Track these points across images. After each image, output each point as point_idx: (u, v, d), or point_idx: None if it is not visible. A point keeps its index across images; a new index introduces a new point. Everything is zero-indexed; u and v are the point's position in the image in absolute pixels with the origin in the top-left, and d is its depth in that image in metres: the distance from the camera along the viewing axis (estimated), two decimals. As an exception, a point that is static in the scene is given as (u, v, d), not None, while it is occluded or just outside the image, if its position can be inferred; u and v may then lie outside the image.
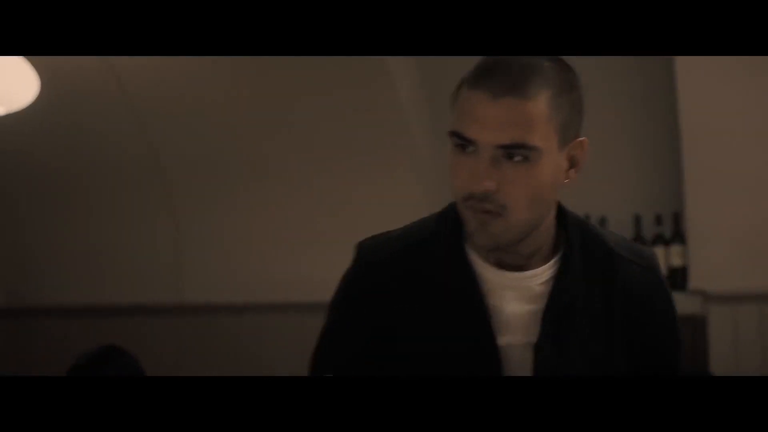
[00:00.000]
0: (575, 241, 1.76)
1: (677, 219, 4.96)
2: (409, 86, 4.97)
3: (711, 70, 4.57)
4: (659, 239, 4.97)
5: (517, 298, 1.72)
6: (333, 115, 4.96)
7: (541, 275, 1.74)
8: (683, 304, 4.86)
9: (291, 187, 5.18)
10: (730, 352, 4.80)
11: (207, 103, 5.04)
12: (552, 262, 1.75)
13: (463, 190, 1.66)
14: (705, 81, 4.65)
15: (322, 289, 5.16)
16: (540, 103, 1.62)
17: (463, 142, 1.65)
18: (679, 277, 4.92)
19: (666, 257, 4.95)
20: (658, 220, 4.98)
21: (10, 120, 4.31)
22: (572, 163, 1.70)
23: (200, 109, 5.06)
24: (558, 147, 1.66)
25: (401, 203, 5.08)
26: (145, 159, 5.22)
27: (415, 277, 1.75)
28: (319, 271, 5.32)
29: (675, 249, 4.94)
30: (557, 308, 1.70)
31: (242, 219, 5.27)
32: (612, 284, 1.75)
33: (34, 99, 4.02)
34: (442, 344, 1.70)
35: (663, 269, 4.88)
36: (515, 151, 1.62)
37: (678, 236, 4.95)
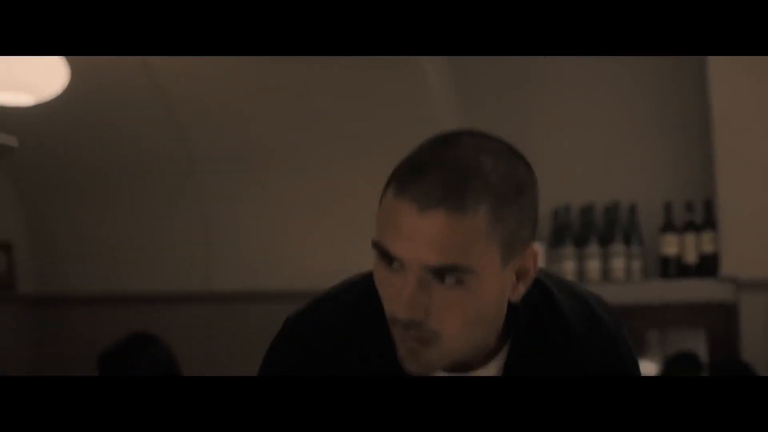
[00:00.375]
0: (524, 332, 1.50)
1: (708, 206, 4.93)
2: (438, 79, 4.96)
3: (742, 58, 4.53)
4: (690, 226, 4.94)
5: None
6: (361, 106, 4.95)
7: (487, 371, 1.50)
8: (715, 291, 4.83)
9: (320, 176, 5.18)
10: (761, 338, 4.77)
11: (235, 93, 5.04)
12: (498, 356, 1.50)
13: (388, 310, 1.40)
14: (736, 68, 4.62)
15: (344, 276, 5.18)
16: (477, 218, 1.33)
17: (386, 257, 1.38)
18: (710, 264, 4.90)
19: (697, 244, 4.92)
20: (690, 206, 4.95)
21: (40, 110, 4.33)
22: (520, 276, 1.43)
23: (228, 99, 5.07)
24: (501, 264, 1.37)
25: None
26: (173, 149, 5.23)
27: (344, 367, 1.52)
28: (349, 259, 5.33)
29: (706, 236, 4.91)
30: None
31: (271, 207, 5.28)
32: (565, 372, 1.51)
33: (63, 89, 4.04)
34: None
35: (694, 256, 4.85)
36: (447, 274, 1.35)
37: (709, 223, 4.91)
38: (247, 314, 5.38)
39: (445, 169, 1.35)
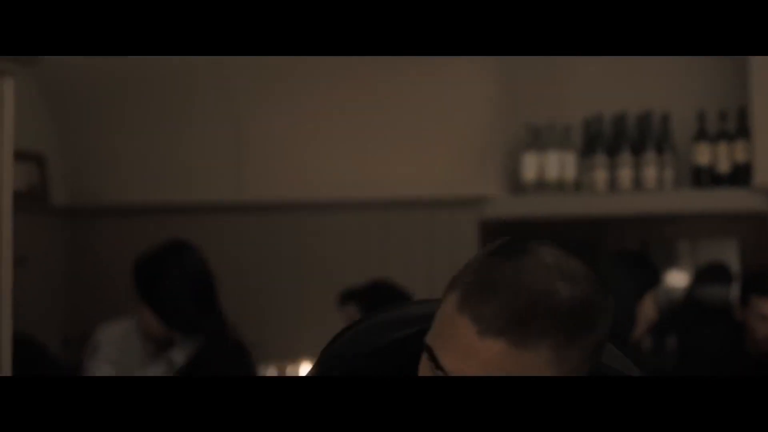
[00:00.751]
0: None
1: (742, 114, 4.88)
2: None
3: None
4: (724, 135, 4.90)
5: None
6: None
7: None
8: (747, 200, 4.80)
9: (352, 85, 5.16)
10: (793, 248, 4.76)
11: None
12: None
13: None
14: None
15: (382, 187, 5.19)
16: (538, 357, 1.24)
17: (434, 363, 1.30)
18: (743, 173, 4.86)
19: (730, 153, 4.89)
20: (723, 115, 4.91)
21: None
22: None
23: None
24: None
25: (463, 104, 5.05)
26: (208, 61, 5.22)
27: None
28: (380, 169, 5.34)
29: (739, 145, 4.87)
30: None
31: (304, 117, 5.27)
32: None
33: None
34: None
35: (727, 165, 4.82)
36: None
37: (743, 132, 4.87)
38: (279, 224, 5.40)
39: (514, 296, 1.25)
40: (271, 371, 4.55)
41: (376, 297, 4.41)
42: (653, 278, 3.50)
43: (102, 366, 4.45)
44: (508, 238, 1.35)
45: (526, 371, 1.25)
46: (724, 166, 4.90)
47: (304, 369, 4.72)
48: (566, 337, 1.26)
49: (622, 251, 3.54)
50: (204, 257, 3.29)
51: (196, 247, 3.31)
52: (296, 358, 4.83)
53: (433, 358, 1.30)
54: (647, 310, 3.43)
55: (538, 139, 5.05)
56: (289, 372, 4.78)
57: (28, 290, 3.81)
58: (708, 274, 4.88)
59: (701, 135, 4.92)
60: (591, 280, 1.31)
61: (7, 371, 2.08)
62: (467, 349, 1.26)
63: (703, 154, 4.92)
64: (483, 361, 1.25)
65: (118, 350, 4.49)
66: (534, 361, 1.25)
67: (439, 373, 1.29)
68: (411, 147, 5.13)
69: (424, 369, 1.33)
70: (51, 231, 5.64)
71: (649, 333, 3.99)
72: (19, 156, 5.08)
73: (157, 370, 4.24)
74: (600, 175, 4.99)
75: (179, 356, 3.22)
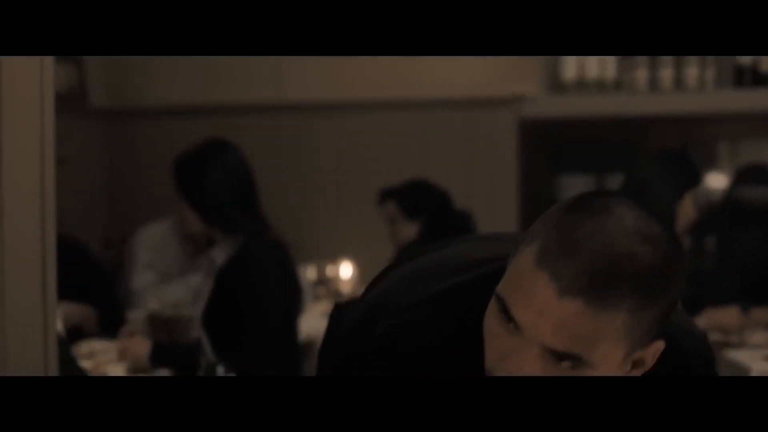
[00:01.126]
0: None
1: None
2: None
3: None
4: (767, 33, 4.82)
5: None
6: None
7: None
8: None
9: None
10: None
11: None
12: None
13: (490, 362, 1.34)
14: None
15: (420, 87, 5.17)
16: (616, 319, 1.25)
17: (506, 314, 1.30)
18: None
19: (774, 52, 4.81)
20: (767, 13, 4.82)
21: None
22: (636, 365, 1.35)
23: None
24: (622, 358, 1.31)
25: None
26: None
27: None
28: (418, 69, 5.30)
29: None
30: None
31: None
32: None
33: None
34: None
35: None
36: (566, 359, 1.28)
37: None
38: (317, 124, 5.41)
39: (597, 257, 1.25)
40: (310, 271, 4.59)
41: (415, 196, 4.41)
42: (693, 178, 3.48)
43: (143, 272, 4.51)
44: (586, 193, 1.34)
45: (600, 332, 1.26)
46: (766, 66, 4.84)
47: (343, 269, 4.76)
48: (644, 301, 1.26)
49: (663, 151, 3.51)
50: (244, 156, 3.29)
51: (236, 146, 3.31)
52: (335, 258, 4.87)
53: (506, 310, 1.30)
54: (687, 210, 3.42)
55: (578, 38, 4.99)
56: (328, 272, 4.82)
57: (68, 192, 3.84)
58: (748, 176, 4.83)
59: None
60: (671, 242, 1.30)
61: (52, 271, 2.11)
62: (544, 305, 1.26)
63: (745, 53, 4.86)
64: (558, 319, 1.25)
65: (156, 253, 4.55)
66: (610, 323, 1.25)
67: (511, 327, 1.30)
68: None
69: (492, 319, 1.33)
70: (90, 133, 5.67)
71: (689, 233, 3.98)
72: (59, 58, 5.08)
73: (196, 270, 4.29)
74: (640, 75, 4.94)
75: (220, 256, 3.24)
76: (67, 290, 2.22)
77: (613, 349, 1.28)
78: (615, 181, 5.43)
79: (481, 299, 1.36)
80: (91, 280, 3.90)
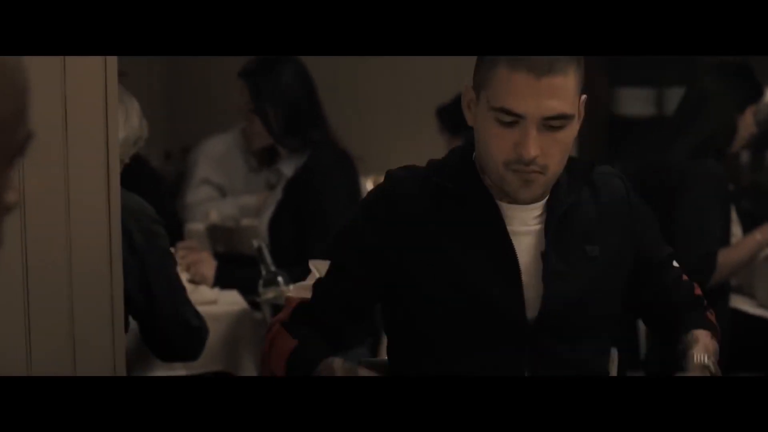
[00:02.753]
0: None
1: None
2: None
3: None
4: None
5: (524, 221, 1.94)
6: None
7: (541, 202, 1.96)
8: None
9: None
10: None
11: None
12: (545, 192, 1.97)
13: (505, 156, 1.86)
14: None
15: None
16: (571, 77, 1.84)
17: (510, 118, 1.83)
18: None
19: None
20: None
21: None
22: (579, 116, 1.91)
23: None
24: (577, 104, 1.89)
25: None
26: None
27: (440, 197, 1.95)
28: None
29: None
30: (554, 219, 1.94)
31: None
32: (595, 194, 2.00)
33: None
34: (467, 258, 1.91)
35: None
36: (556, 121, 1.83)
37: None
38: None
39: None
40: (369, 184, 4.61)
41: (455, 112, 4.41)
42: (755, 92, 3.43)
43: (198, 186, 4.55)
44: None
45: (569, 91, 1.83)
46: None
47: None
48: (578, 61, 1.85)
49: (724, 63, 3.46)
50: (306, 69, 3.29)
51: (298, 59, 3.31)
52: (392, 171, 4.88)
53: (506, 111, 1.83)
54: (747, 123, 3.38)
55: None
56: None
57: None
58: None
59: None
60: None
61: (116, 181, 2.14)
62: (533, 91, 1.81)
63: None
64: (545, 95, 1.81)
65: (216, 167, 4.58)
66: (570, 81, 1.83)
67: (511, 121, 1.83)
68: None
69: (492, 128, 1.86)
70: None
71: (748, 147, 3.96)
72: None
73: (259, 182, 4.33)
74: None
75: (288, 167, 3.26)
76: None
77: (575, 98, 1.86)
78: (674, 94, 5.38)
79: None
80: (150, 192, 3.96)
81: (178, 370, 2.78)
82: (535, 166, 1.84)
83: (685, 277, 2.09)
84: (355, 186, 3.33)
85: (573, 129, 1.88)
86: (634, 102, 5.86)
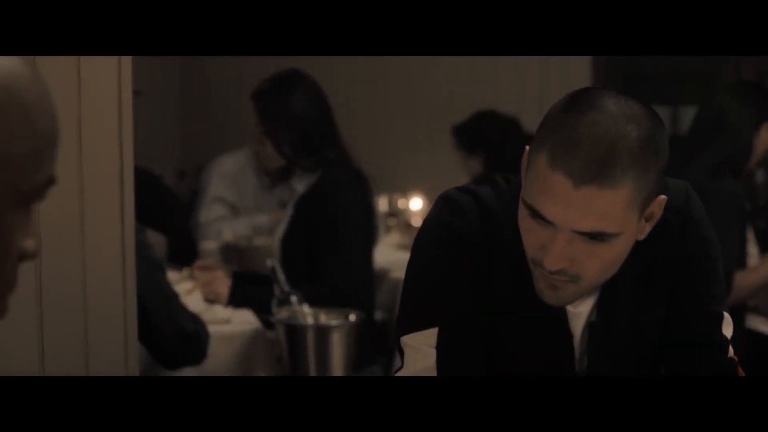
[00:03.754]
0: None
1: None
2: None
3: None
4: None
5: None
6: None
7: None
8: None
9: None
10: None
11: None
12: None
13: (533, 253, 1.60)
14: None
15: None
16: (625, 191, 1.50)
17: (537, 216, 1.56)
18: None
19: None
20: None
21: None
22: (648, 218, 1.61)
23: None
24: (638, 220, 1.57)
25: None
26: None
27: (495, 243, 1.70)
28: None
29: None
30: (607, 296, 1.69)
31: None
32: (656, 253, 1.70)
33: None
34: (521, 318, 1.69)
35: None
36: (594, 237, 1.54)
37: None
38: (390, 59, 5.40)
39: (597, 146, 1.49)
40: (381, 203, 4.61)
41: (472, 130, 4.42)
42: (770, 109, 3.42)
43: (211, 205, 4.54)
44: (573, 93, 1.58)
45: (616, 206, 1.51)
46: None
47: (413, 201, 4.78)
48: (642, 169, 1.51)
49: (740, 81, 3.46)
50: (321, 89, 3.28)
51: (313, 79, 3.30)
52: (406, 191, 4.89)
53: (535, 211, 1.55)
54: (763, 140, 3.37)
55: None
56: (400, 204, 4.83)
57: (143, 123, 3.88)
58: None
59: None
60: (650, 115, 1.55)
61: (129, 183, 2.14)
62: (566, 200, 1.50)
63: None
64: (580, 206, 1.50)
65: (229, 185, 4.57)
66: (621, 197, 1.50)
67: (543, 222, 1.55)
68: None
69: (525, 220, 1.59)
70: (165, 64, 5.71)
71: (764, 165, 3.94)
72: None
73: (272, 200, 4.32)
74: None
75: (300, 184, 3.25)
76: (140, 220, 2.26)
77: (630, 216, 1.54)
78: (690, 113, 5.37)
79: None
80: (164, 210, 3.95)
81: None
82: (562, 276, 1.58)
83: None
84: (369, 204, 3.31)
85: (624, 240, 1.56)
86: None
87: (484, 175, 1.77)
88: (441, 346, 1.65)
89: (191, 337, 2.54)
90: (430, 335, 1.66)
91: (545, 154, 1.52)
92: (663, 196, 1.59)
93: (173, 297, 2.55)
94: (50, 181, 1.02)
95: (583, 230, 1.52)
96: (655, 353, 1.75)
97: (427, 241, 1.71)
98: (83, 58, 2.04)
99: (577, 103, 1.54)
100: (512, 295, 1.68)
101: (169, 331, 2.49)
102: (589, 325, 1.70)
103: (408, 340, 1.68)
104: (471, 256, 1.68)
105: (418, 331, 1.67)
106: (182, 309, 2.55)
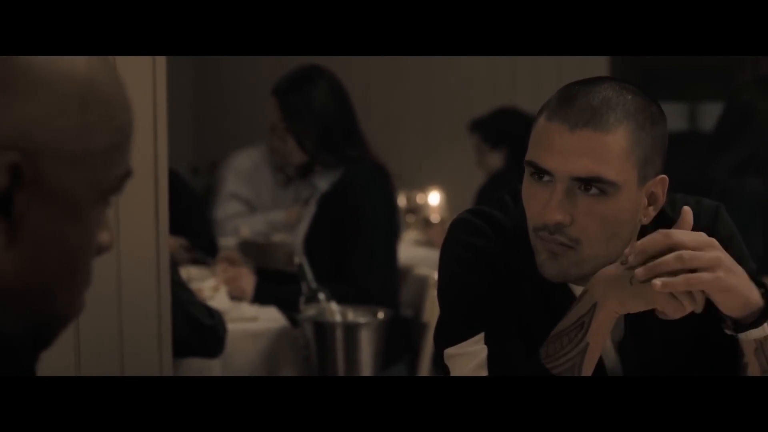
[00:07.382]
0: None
1: None
2: None
3: None
4: None
5: None
6: None
7: None
8: None
9: None
10: None
11: None
12: None
13: (535, 220, 1.60)
14: None
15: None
16: (619, 137, 1.55)
17: (538, 172, 1.58)
18: None
19: None
20: None
21: None
22: (651, 201, 1.62)
23: None
24: (637, 183, 1.58)
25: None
26: None
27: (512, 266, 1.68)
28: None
29: None
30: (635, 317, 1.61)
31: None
32: None
33: None
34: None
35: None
36: (591, 184, 1.55)
37: None
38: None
39: (591, 98, 1.56)
40: (400, 199, 4.60)
41: (497, 125, 4.42)
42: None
43: (227, 201, 4.53)
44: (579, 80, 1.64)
45: (611, 152, 1.55)
46: None
47: (432, 197, 4.76)
48: (636, 124, 1.56)
49: (763, 78, 3.44)
50: (341, 82, 3.27)
51: (332, 72, 3.28)
52: (424, 187, 4.87)
53: (536, 167, 1.58)
54: (789, 138, 3.36)
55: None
56: (418, 200, 4.82)
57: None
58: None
59: None
60: (650, 101, 1.60)
61: (164, 198, 2.13)
62: (562, 144, 1.55)
63: None
64: (577, 151, 1.55)
65: (244, 182, 4.57)
66: (616, 141, 1.55)
67: (544, 179, 1.58)
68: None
69: (528, 187, 1.61)
70: (178, 59, 5.70)
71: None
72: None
73: (287, 197, 4.31)
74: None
75: (322, 182, 3.24)
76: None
77: (626, 168, 1.56)
78: (708, 110, 5.36)
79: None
80: (184, 207, 3.94)
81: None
82: (562, 237, 1.57)
83: None
84: (392, 201, 3.30)
85: (624, 202, 1.57)
86: (668, 117, 5.83)
87: (491, 199, 1.75)
88: (490, 343, 1.64)
89: (207, 330, 2.53)
90: (477, 341, 1.65)
91: (543, 114, 1.59)
92: (665, 177, 1.62)
93: (188, 292, 2.53)
94: (127, 174, 1.02)
95: (579, 174, 1.55)
96: (691, 363, 1.69)
97: (452, 258, 1.71)
98: (118, 58, 2.03)
99: (583, 81, 1.63)
100: (531, 306, 1.67)
101: (185, 325, 2.46)
102: (619, 344, 1.67)
103: (453, 350, 1.67)
104: (493, 264, 1.67)
105: (464, 341, 1.65)
106: (199, 303, 2.55)
